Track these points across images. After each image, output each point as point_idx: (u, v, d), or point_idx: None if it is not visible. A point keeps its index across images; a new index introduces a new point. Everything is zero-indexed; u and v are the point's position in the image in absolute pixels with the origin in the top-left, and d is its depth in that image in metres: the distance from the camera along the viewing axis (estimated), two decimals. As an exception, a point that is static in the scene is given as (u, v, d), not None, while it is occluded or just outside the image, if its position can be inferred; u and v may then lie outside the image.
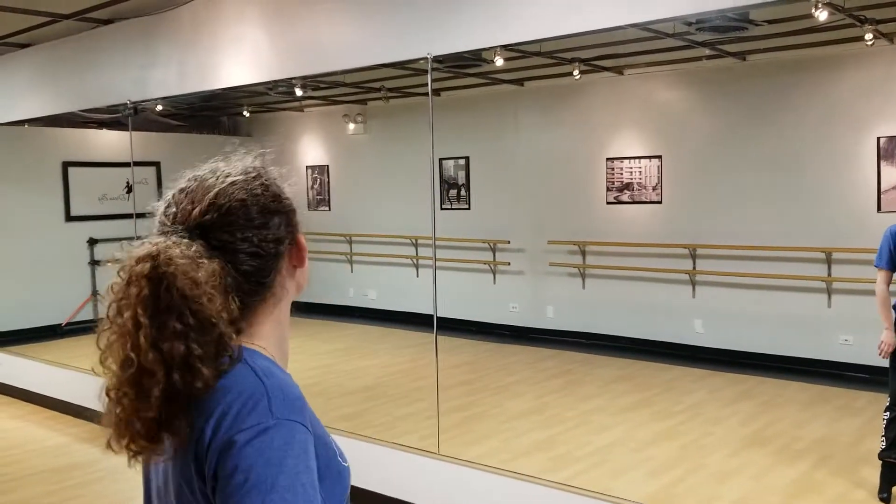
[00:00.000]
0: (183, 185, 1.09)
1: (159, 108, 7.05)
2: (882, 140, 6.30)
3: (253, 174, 1.10)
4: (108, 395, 0.98)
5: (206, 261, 1.00)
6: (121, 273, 0.98)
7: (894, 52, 6.17)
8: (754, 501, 4.12)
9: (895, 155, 6.25)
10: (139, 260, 0.97)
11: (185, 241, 1.01)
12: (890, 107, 6.30)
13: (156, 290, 0.95)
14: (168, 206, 1.08)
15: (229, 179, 1.07)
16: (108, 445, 0.99)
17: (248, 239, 1.05)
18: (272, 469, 0.91)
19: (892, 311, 3.93)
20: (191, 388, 0.95)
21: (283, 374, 1.05)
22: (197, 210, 1.04)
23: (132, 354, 0.94)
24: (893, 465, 4.02)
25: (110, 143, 8.86)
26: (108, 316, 0.98)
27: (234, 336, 1.00)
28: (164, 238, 1.01)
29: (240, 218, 1.05)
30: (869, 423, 5.18)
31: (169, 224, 1.05)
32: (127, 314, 0.96)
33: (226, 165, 1.11)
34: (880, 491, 4.08)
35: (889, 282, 3.98)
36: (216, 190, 1.06)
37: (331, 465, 1.03)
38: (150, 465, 1.10)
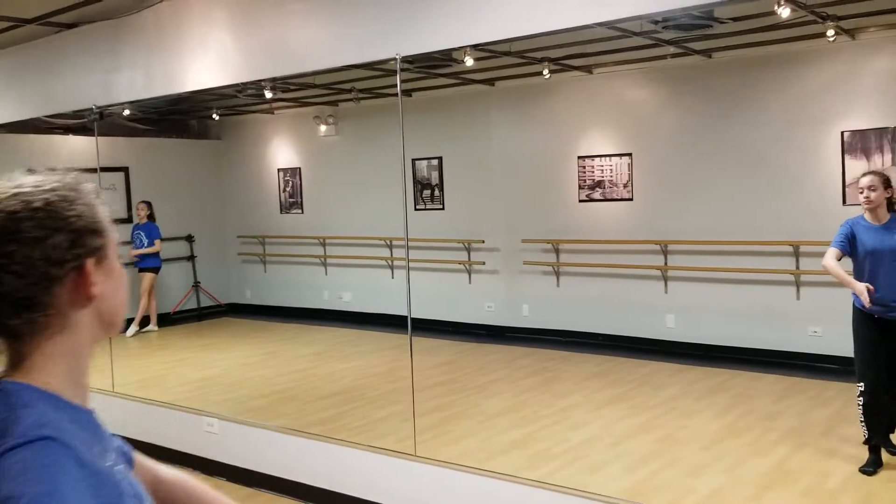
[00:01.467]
0: None
1: (126, 112, 6.95)
2: (846, 134, 6.41)
3: (46, 187, 1.00)
4: None
5: None
6: None
7: (856, 48, 6.29)
8: (729, 493, 4.17)
9: (859, 149, 6.37)
10: None
11: None
12: (853, 102, 6.41)
13: None
14: None
15: (15, 190, 0.99)
16: None
17: (10, 255, 0.95)
18: (13, 483, 0.85)
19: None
20: None
21: (57, 411, 0.95)
22: None
23: None
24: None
25: (77, 148, 8.70)
26: None
27: None
28: None
29: (5, 231, 0.96)
30: (839, 413, 5.28)
31: None
32: None
33: (33, 177, 1.03)
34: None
35: (837, 259, 4.09)
36: None
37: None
38: None
